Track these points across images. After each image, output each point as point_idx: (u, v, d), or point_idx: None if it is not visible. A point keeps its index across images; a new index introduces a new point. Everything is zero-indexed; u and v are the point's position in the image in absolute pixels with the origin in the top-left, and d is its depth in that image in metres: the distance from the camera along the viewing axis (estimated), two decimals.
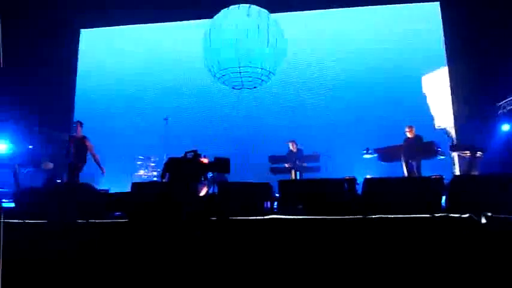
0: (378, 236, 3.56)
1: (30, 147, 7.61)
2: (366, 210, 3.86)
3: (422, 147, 7.54)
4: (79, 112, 11.34)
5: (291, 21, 9.96)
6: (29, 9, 9.95)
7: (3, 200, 5.39)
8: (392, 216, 3.74)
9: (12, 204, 4.80)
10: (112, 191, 6.82)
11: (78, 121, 6.92)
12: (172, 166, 3.60)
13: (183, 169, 3.50)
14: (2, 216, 3.95)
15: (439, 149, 7.38)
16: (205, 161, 3.62)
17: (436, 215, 3.79)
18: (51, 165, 7.17)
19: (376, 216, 3.79)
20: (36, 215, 3.87)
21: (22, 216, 3.80)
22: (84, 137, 6.64)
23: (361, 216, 3.82)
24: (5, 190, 6.63)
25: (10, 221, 3.69)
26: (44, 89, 10.16)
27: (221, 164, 3.63)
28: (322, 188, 4.30)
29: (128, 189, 4.94)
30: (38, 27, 10.14)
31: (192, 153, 3.58)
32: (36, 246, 3.59)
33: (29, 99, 9.97)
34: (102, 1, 10.66)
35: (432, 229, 3.61)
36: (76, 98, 11.40)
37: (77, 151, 6.52)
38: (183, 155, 3.57)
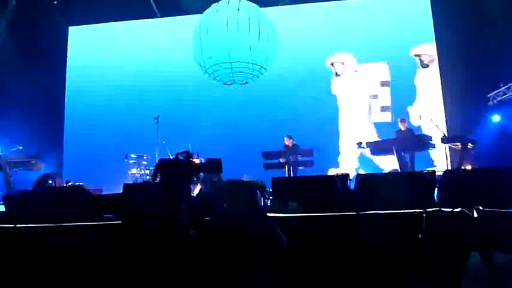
0: (370, 232, 3.59)
1: (20, 147, 7.52)
2: (359, 207, 3.86)
3: (413, 139, 7.60)
4: (69, 110, 11.25)
5: (283, 14, 9.92)
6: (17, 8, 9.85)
7: None
8: (384, 212, 3.75)
9: (2, 208, 4.74)
10: (106, 189, 6.78)
11: None
12: (164, 168, 3.58)
13: (175, 171, 3.48)
14: None
15: (430, 141, 7.42)
16: (197, 161, 3.60)
17: (428, 209, 3.81)
18: (42, 166, 7.10)
19: (369, 212, 3.81)
20: (27, 218, 3.82)
21: (13, 221, 3.76)
22: None
23: (354, 213, 3.83)
24: None
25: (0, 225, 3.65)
26: (34, 88, 10.08)
27: (213, 165, 3.61)
28: (315, 185, 4.30)
29: (121, 189, 4.88)
30: (26, 26, 10.05)
31: (184, 154, 3.56)
32: (27, 250, 3.57)
33: (19, 98, 9.90)
34: None
35: (424, 224, 3.64)
36: (66, 96, 11.30)
37: None
38: (174, 156, 3.55)
